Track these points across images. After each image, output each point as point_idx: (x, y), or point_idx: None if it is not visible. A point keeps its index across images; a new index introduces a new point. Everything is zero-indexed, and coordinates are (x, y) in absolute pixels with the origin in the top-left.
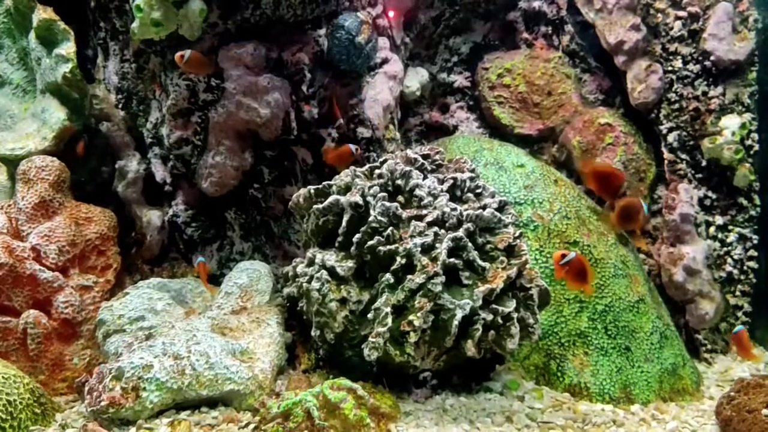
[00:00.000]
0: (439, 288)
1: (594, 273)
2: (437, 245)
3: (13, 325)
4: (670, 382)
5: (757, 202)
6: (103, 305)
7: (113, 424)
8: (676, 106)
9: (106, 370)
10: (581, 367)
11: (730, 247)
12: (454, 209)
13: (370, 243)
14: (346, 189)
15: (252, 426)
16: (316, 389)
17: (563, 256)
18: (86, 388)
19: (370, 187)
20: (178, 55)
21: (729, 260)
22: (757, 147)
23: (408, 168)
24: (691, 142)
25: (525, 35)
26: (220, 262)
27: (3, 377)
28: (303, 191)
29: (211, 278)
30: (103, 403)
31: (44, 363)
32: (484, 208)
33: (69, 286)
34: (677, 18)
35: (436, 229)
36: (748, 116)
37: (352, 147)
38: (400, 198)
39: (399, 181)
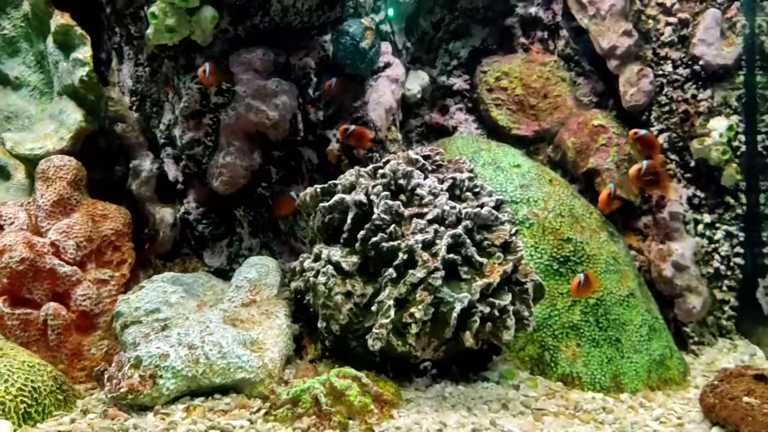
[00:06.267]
0: (439, 282)
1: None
2: (437, 242)
3: (33, 317)
4: (658, 372)
5: (744, 200)
6: (120, 298)
7: (132, 409)
8: (666, 108)
9: (125, 358)
10: (573, 358)
11: (717, 244)
12: (453, 207)
13: (373, 239)
14: (351, 188)
15: (263, 411)
16: (323, 377)
17: (579, 282)
18: (106, 376)
19: (373, 186)
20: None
21: (716, 257)
22: (743, 148)
23: (410, 168)
24: (681, 144)
25: (522, 40)
26: (230, 258)
27: (28, 365)
28: (310, 190)
29: (220, 273)
30: (122, 390)
31: (63, 353)
32: (481, 206)
33: (86, 279)
34: (668, 24)
35: (436, 226)
36: (735, 118)
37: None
38: (402, 197)
39: (401, 181)
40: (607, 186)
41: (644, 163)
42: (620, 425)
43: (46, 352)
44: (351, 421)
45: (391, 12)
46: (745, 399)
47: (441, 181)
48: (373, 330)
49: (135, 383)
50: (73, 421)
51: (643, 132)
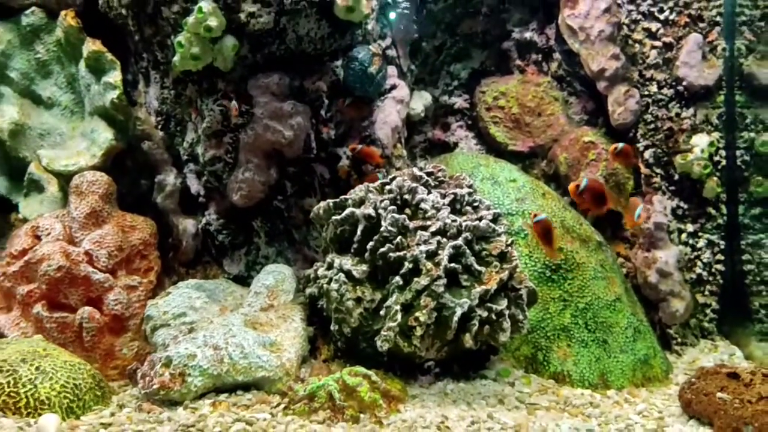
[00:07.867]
0: (442, 289)
1: (558, 238)
2: (440, 252)
3: (70, 320)
4: (642, 370)
5: (724, 211)
6: (150, 303)
7: (163, 404)
8: (652, 126)
9: (157, 358)
10: (564, 357)
11: (699, 252)
12: (455, 221)
13: (381, 250)
14: (361, 202)
15: (282, 406)
16: (336, 375)
17: (536, 215)
18: (139, 374)
19: (381, 201)
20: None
21: (699, 263)
22: (724, 162)
23: (414, 184)
24: (665, 158)
25: (518, 62)
26: (248, 265)
27: (70, 365)
28: (322, 204)
29: (239, 279)
30: (154, 387)
31: (98, 353)
32: (480, 219)
33: (118, 286)
34: (653, 47)
35: (438, 238)
36: (716, 135)
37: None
38: (408, 210)
39: (406, 196)
40: (580, 178)
41: (584, 180)
42: (605, 418)
43: (81, 352)
44: (362, 415)
45: (393, 15)
46: (719, 395)
47: (443, 196)
48: (382, 332)
49: (166, 380)
50: (112, 414)
51: (621, 145)
